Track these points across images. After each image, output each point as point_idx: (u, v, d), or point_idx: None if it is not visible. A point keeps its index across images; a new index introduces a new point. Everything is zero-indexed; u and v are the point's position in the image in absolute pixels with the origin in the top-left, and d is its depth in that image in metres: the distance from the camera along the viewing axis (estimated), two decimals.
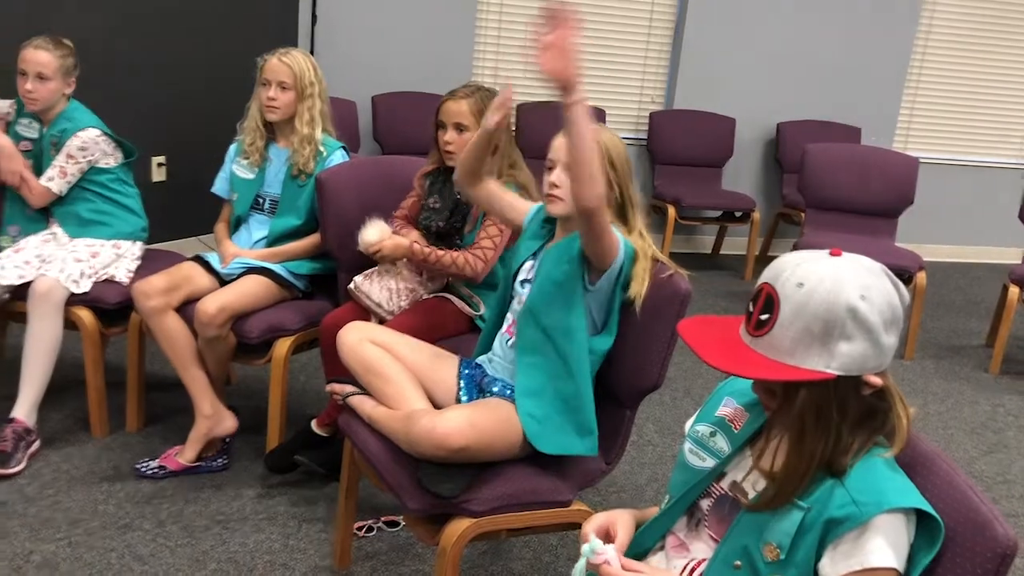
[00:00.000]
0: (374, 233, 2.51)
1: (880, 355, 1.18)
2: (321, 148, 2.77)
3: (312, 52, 5.04)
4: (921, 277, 4.20)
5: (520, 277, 2.07)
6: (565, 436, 1.91)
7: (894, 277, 1.20)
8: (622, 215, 1.97)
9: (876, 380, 1.19)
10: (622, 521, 1.41)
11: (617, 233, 1.88)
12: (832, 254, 1.19)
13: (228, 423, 2.70)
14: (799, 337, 1.16)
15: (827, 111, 5.92)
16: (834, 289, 1.15)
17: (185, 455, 2.65)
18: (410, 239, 2.55)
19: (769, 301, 1.18)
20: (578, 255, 1.90)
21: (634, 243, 1.94)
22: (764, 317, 1.19)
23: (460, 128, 2.52)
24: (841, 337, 1.15)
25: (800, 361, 1.17)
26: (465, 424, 1.80)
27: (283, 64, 2.72)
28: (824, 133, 5.68)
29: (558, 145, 1.97)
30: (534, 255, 2.06)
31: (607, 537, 1.39)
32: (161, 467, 2.63)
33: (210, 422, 2.66)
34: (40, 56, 2.72)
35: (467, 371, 2.10)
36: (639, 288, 1.92)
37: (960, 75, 6.28)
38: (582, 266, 1.90)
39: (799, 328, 1.16)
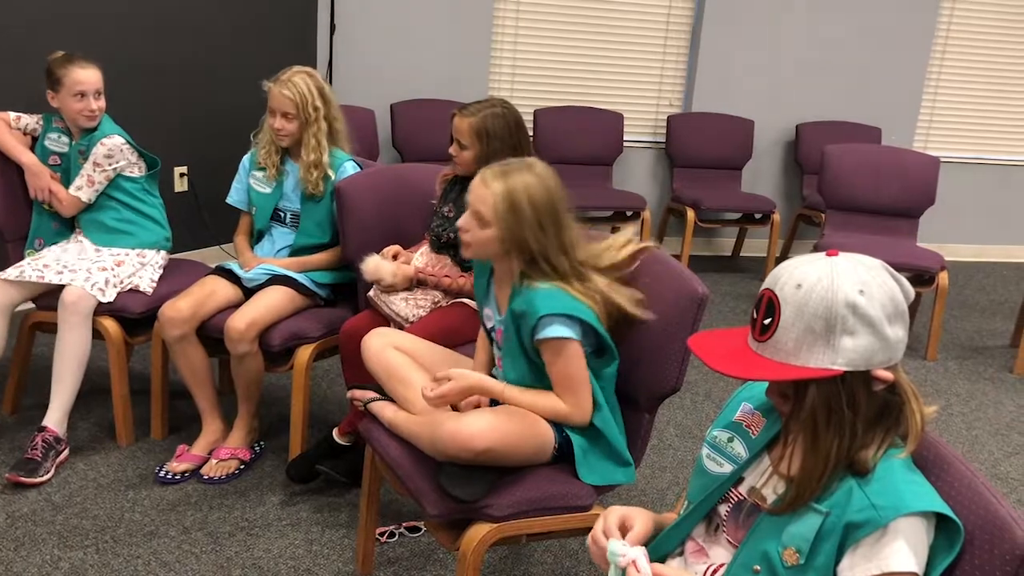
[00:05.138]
0: (377, 272, 2.53)
1: (887, 349, 1.19)
2: (328, 171, 2.77)
3: (330, 61, 5.07)
4: (943, 277, 4.17)
5: (488, 324, 2.09)
6: (606, 468, 1.94)
7: (895, 272, 1.22)
8: (546, 265, 1.88)
9: (886, 375, 1.20)
10: (639, 516, 1.40)
11: (568, 299, 1.84)
12: (828, 255, 1.22)
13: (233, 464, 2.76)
14: (802, 337, 1.18)
15: (847, 112, 5.89)
16: (831, 287, 1.17)
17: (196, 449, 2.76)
18: (413, 267, 2.56)
19: (771, 306, 1.21)
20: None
21: (573, 292, 1.87)
22: (767, 322, 1.21)
23: (461, 145, 2.53)
24: (844, 332, 1.16)
25: (806, 360, 1.18)
26: (489, 427, 1.81)
27: (284, 96, 2.71)
28: (844, 134, 5.65)
29: (473, 187, 1.92)
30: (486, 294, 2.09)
31: (623, 531, 1.38)
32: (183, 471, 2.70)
33: (218, 436, 2.78)
34: (95, 75, 2.79)
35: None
36: (621, 303, 1.91)
37: (981, 73, 6.22)
38: None
39: (801, 328, 1.18)
